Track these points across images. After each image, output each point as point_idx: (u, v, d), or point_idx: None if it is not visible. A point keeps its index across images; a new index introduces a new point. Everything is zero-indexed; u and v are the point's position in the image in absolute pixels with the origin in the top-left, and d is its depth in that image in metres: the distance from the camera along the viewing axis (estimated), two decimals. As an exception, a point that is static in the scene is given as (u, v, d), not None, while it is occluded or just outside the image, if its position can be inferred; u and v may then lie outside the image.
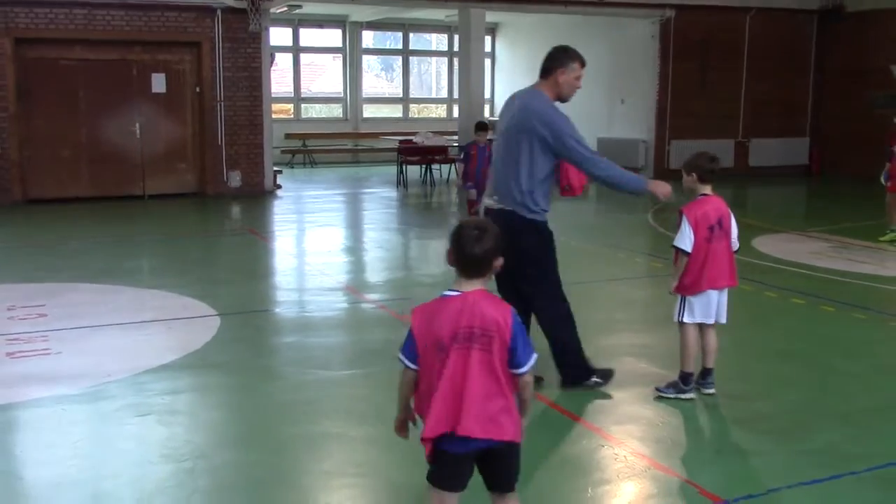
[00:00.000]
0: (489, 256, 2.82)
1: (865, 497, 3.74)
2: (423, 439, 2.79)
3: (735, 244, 4.89)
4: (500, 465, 2.85)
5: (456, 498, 2.88)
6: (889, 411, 4.80)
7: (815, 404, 4.91)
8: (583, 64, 4.84)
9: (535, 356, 2.83)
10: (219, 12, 13.78)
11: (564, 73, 4.78)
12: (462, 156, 10.67)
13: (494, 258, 2.83)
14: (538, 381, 5.01)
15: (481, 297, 2.81)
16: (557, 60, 4.80)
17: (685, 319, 4.86)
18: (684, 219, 4.77)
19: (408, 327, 2.85)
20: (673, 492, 3.80)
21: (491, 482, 2.90)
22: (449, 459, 2.79)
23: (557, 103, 4.86)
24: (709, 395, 4.90)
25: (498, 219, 4.42)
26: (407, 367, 2.82)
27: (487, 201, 4.92)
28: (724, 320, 4.90)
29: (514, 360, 2.79)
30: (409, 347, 2.80)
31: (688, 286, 4.81)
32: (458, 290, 2.82)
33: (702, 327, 4.90)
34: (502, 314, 2.78)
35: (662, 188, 4.79)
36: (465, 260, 2.82)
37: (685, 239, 4.75)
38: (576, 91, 4.89)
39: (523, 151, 4.71)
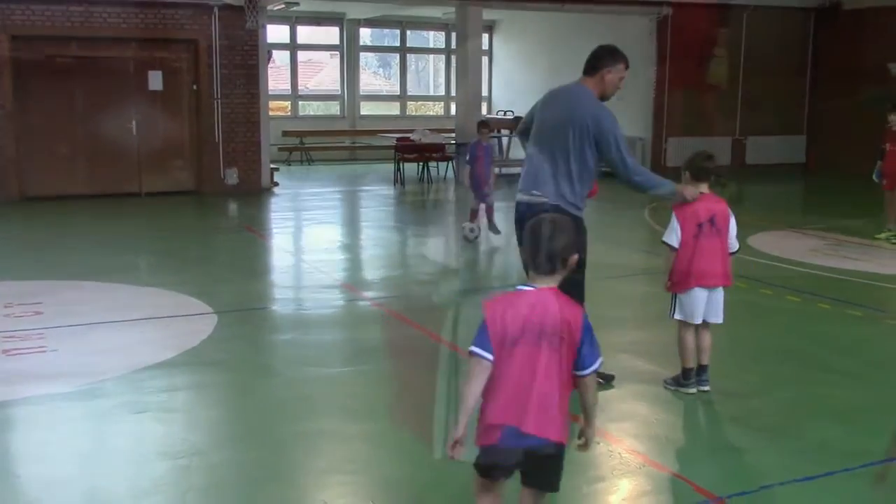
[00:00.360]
0: (564, 254, 2.82)
1: (858, 494, 3.76)
2: (488, 425, 2.78)
3: (734, 245, 4.91)
4: (546, 464, 2.83)
5: (501, 485, 2.90)
6: (883, 408, 4.82)
7: (810, 401, 4.93)
8: (627, 65, 4.92)
9: (600, 359, 2.84)
10: (216, 9, 13.77)
11: (611, 72, 4.85)
12: (468, 157, 10.27)
13: (569, 255, 2.83)
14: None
15: (554, 295, 2.80)
16: (605, 60, 4.87)
17: (676, 317, 4.91)
18: (673, 215, 4.83)
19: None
20: (667, 488, 3.82)
21: (533, 480, 2.89)
22: (502, 451, 2.79)
23: None
24: (704, 391, 4.92)
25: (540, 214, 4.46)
26: (483, 357, 2.74)
27: (523, 196, 4.88)
28: (715, 320, 4.92)
29: (578, 361, 2.79)
30: (484, 339, 2.75)
31: (676, 283, 4.84)
32: (531, 286, 2.82)
33: (697, 326, 4.93)
34: (573, 315, 2.79)
35: (690, 190, 4.84)
36: (539, 257, 2.81)
37: (671, 234, 4.81)
38: (617, 91, 4.94)
39: (575, 148, 4.72)
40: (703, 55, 11.15)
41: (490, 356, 2.75)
